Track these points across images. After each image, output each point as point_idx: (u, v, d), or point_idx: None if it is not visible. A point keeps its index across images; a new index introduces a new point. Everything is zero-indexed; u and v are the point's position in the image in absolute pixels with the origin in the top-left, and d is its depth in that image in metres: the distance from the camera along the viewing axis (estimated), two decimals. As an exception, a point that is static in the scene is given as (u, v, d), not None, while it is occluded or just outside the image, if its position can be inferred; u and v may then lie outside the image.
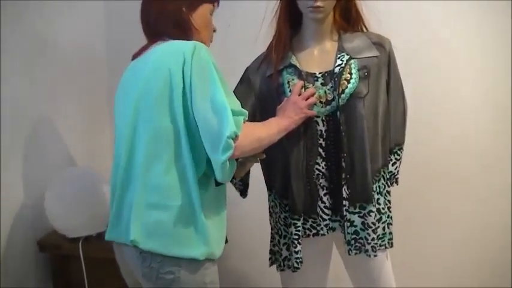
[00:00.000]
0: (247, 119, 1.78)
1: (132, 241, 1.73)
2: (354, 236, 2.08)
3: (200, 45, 1.77)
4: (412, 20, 2.86)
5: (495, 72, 2.86)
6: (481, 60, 2.87)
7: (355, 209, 2.07)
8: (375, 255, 2.11)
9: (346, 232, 2.07)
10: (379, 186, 2.12)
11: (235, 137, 1.68)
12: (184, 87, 1.72)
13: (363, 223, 2.07)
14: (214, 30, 2.00)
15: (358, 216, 2.07)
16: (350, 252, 2.10)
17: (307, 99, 2.01)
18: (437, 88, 2.92)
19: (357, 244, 2.09)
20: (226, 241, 1.89)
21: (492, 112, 2.90)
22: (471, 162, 2.96)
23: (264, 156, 2.05)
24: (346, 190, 2.03)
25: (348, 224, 2.07)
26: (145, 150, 1.76)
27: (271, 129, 1.92)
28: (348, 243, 2.09)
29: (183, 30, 1.88)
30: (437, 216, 3.03)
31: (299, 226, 2.09)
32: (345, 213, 2.06)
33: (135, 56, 1.94)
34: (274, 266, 2.26)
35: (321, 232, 2.12)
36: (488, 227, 2.99)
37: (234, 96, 1.81)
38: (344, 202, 2.05)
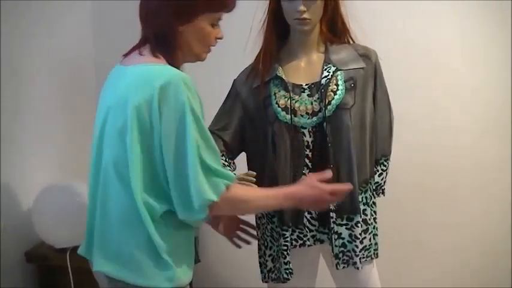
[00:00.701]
0: (232, 183, 1.65)
1: (95, 265, 1.70)
2: (341, 248, 2.08)
3: (177, 80, 1.57)
4: (398, 31, 2.89)
5: (495, 76, 2.89)
6: (482, 63, 2.90)
7: (342, 220, 2.07)
8: (362, 267, 2.12)
9: (333, 245, 2.07)
10: (365, 197, 2.13)
11: (210, 204, 1.59)
12: (151, 127, 1.57)
13: (350, 235, 2.07)
14: (219, 38, 1.77)
15: (346, 228, 2.07)
16: (338, 266, 2.09)
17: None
18: (435, 93, 2.95)
19: (345, 257, 2.09)
20: (198, 261, 1.85)
21: (491, 115, 2.92)
22: (471, 165, 2.97)
23: (254, 180, 2.04)
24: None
25: (336, 236, 2.07)
26: (104, 176, 1.66)
27: (261, 192, 1.83)
28: (336, 256, 2.09)
29: (165, 46, 1.67)
30: (436, 219, 3.03)
31: (287, 237, 2.09)
32: (332, 225, 2.06)
33: (125, 55, 1.76)
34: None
35: (308, 243, 2.13)
36: (488, 229, 3.00)
37: (215, 148, 1.65)
38: (331, 214, 2.05)
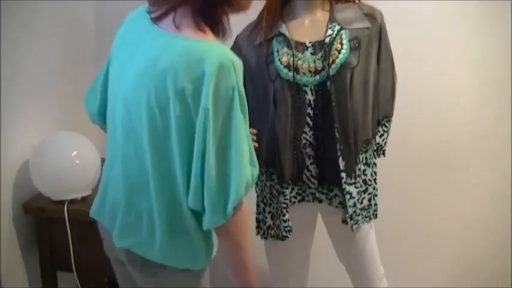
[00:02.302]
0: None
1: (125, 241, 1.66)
2: (354, 208, 2.08)
3: (229, 62, 1.43)
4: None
5: (495, 72, 2.83)
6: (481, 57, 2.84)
7: (351, 179, 2.07)
8: (356, 227, 2.13)
9: (348, 205, 2.06)
10: (366, 157, 2.12)
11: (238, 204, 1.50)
12: (195, 113, 1.44)
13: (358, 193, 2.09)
14: None
15: (355, 187, 2.07)
16: (352, 228, 2.10)
17: None
18: (436, 87, 2.90)
19: (357, 217, 2.10)
20: None
21: (493, 111, 2.88)
22: (471, 163, 2.95)
23: (257, 145, 2.04)
24: (342, 162, 2.03)
25: (348, 196, 2.06)
26: (151, 157, 1.54)
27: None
28: (351, 217, 2.08)
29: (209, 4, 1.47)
30: (436, 217, 3.02)
31: (287, 194, 2.09)
32: (343, 186, 2.05)
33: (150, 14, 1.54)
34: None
35: (306, 199, 2.13)
36: (488, 227, 2.99)
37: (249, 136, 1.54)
38: (342, 174, 2.04)
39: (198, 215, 1.56)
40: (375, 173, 2.19)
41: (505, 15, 2.71)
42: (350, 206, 2.07)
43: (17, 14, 2.37)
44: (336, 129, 2.01)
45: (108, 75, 1.72)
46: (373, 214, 2.20)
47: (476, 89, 2.85)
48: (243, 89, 1.49)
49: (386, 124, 2.22)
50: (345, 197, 2.06)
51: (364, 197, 2.13)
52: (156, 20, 1.52)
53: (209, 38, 1.49)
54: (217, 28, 1.52)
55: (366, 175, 2.13)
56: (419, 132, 2.90)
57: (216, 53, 1.43)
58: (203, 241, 1.63)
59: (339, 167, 2.03)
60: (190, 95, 1.42)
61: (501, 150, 2.90)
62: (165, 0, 1.50)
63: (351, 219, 2.08)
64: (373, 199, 2.18)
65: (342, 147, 2.03)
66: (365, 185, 2.13)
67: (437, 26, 2.80)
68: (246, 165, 1.49)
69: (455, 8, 2.75)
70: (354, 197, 2.07)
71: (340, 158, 2.03)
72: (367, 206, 2.15)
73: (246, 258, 1.64)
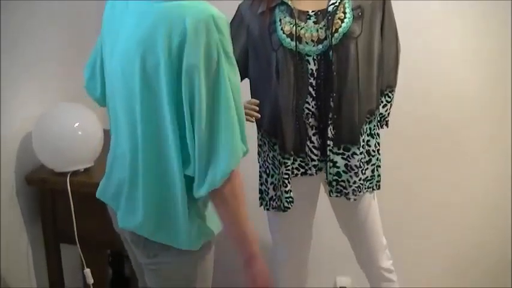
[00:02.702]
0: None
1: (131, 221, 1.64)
2: (335, 177, 2.09)
3: (208, 18, 1.40)
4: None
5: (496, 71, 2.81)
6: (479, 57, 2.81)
7: (339, 149, 2.07)
8: (354, 199, 2.12)
9: (328, 172, 2.08)
10: (370, 128, 2.12)
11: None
12: (178, 73, 1.42)
13: (346, 165, 2.07)
14: None
15: (342, 158, 2.07)
16: (331, 193, 2.11)
17: None
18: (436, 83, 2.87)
19: (338, 186, 2.10)
20: None
21: (492, 110, 2.86)
22: (471, 161, 2.94)
23: (259, 116, 2.04)
24: (331, 130, 2.03)
25: (331, 164, 2.07)
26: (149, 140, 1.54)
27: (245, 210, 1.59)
28: (329, 184, 2.09)
29: None
30: (436, 216, 3.01)
31: (289, 165, 2.09)
32: (328, 153, 2.05)
33: None
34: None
35: (309, 172, 2.13)
36: (488, 226, 2.98)
37: (240, 94, 1.50)
38: (328, 142, 2.04)
39: (189, 188, 1.53)
40: (378, 143, 2.18)
41: (505, 14, 2.70)
42: (330, 173, 2.08)
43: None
44: (331, 98, 2.00)
45: (103, 58, 1.72)
46: (376, 185, 2.19)
47: (477, 88, 2.84)
48: (230, 51, 1.45)
49: (390, 94, 2.20)
50: (327, 164, 2.06)
51: (367, 168, 2.13)
52: None
53: None
54: None
55: (369, 146, 2.12)
56: (419, 132, 2.90)
57: (195, 10, 1.41)
58: (191, 220, 1.58)
59: (328, 134, 2.03)
60: (175, 56, 1.41)
61: (500, 149, 2.90)
62: None
63: (329, 186, 2.09)
64: (376, 170, 2.18)
65: (335, 116, 2.02)
66: (368, 156, 2.12)
67: (438, 26, 2.79)
68: (236, 140, 1.47)
69: (454, 7, 2.73)
70: (338, 167, 2.07)
71: (331, 127, 2.03)
72: (370, 176, 2.15)
73: (245, 229, 1.59)
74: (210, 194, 1.51)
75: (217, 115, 1.44)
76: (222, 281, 2.14)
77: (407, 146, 2.86)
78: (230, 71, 1.45)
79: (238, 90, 1.49)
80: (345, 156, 2.07)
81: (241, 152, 1.48)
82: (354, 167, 2.07)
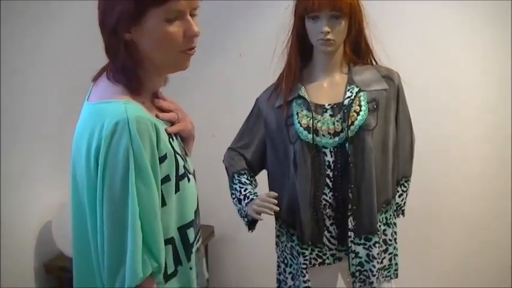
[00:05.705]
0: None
1: None
2: (358, 267, 2.09)
3: (123, 121, 1.30)
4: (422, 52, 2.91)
5: (495, 79, 2.91)
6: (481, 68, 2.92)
7: (360, 240, 2.08)
8: (379, 286, 2.12)
9: (350, 263, 2.08)
10: (386, 217, 2.13)
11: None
12: (96, 177, 1.32)
13: (367, 255, 2.08)
14: (192, 35, 1.38)
15: (363, 248, 2.08)
16: (354, 284, 2.10)
17: None
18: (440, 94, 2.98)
19: (362, 276, 2.10)
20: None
21: (492, 117, 2.94)
22: (472, 166, 2.99)
23: (278, 209, 2.03)
24: (352, 221, 2.05)
25: (353, 255, 2.08)
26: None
27: None
28: (353, 275, 2.09)
29: (118, 64, 1.39)
30: (437, 218, 3.05)
31: (307, 256, 2.10)
32: (350, 244, 2.07)
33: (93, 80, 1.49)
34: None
35: (327, 261, 2.13)
36: (489, 228, 3.01)
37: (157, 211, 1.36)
38: (349, 233, 2.06)
39: None
40: (395, 232, 2.19)
41: (505, 15, 2.79)
42: (353, 265, 2.08)
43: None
44: (349, 190, 2.03)
45: None
46: (393, 273, 2.19)
47: (478, 89, 2.92)
48: (144, 158, 1.31)
49: (405, 184, 2.23)
50: (349, 255, 2.07)
51: (385, 257, 2.13)
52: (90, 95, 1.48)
53: (119, 95, 1.38)
54: (132, 84, 1.41)
55: (386, 235, 2.13)
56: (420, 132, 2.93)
57: (114, 112, 1.32)
58: None
59: (348, 226, 2.05)
60: (94, 157, 1.32)
61: (502, 153, 2.95)
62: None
63: (353, 277, 2.09)
64: (394, 259, 2.18)
65: (354, 207, 2.05)
66: (385, 245, 2.13)
67: (437, 25, 2.89)
68: (138, 253, 1.31)
69: (454, 8, 2.83)
70: (360, 257, 2.07)
71: (351, 218, 2.05)
72: (388, 265, 2.15)
73: None
74: None
75: (124, 229, 1.31)
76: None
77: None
78: (145, 182, 1.32)
79: (150, 202, 1.34)
80: (366, 246, 2.08)
81: (141, 272, 1.31)
82: (376, 256, 2.08)
